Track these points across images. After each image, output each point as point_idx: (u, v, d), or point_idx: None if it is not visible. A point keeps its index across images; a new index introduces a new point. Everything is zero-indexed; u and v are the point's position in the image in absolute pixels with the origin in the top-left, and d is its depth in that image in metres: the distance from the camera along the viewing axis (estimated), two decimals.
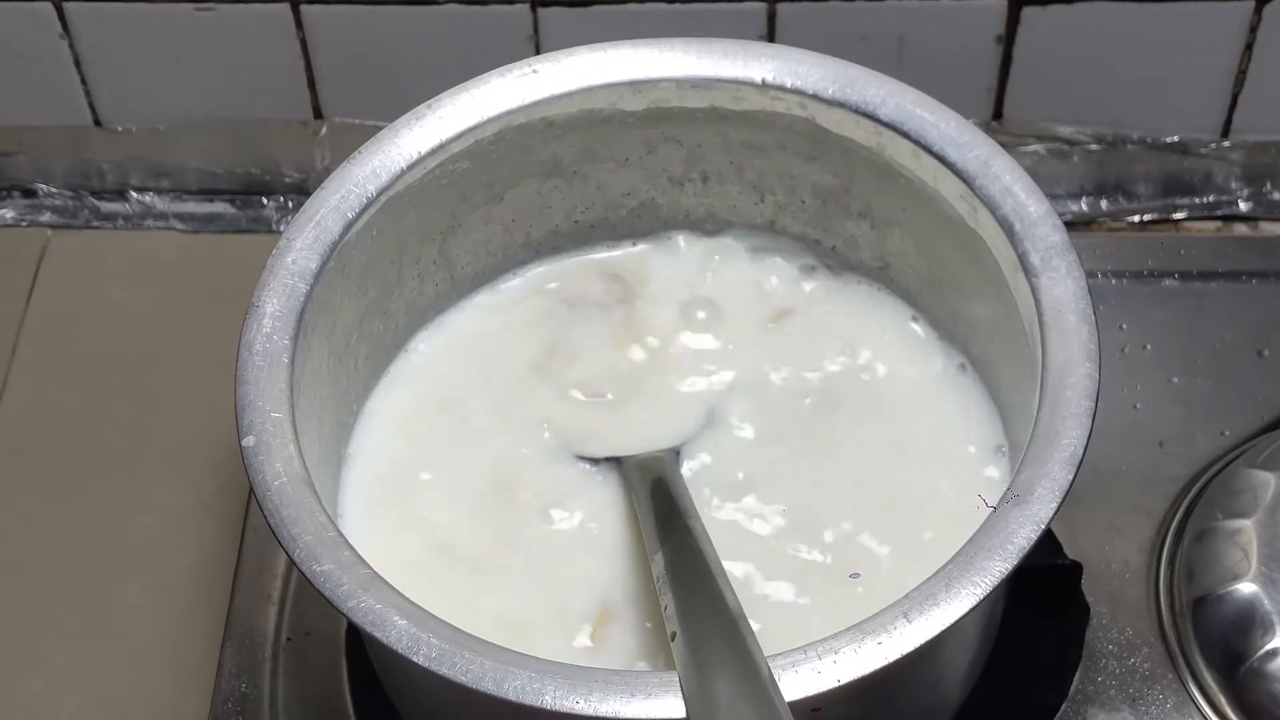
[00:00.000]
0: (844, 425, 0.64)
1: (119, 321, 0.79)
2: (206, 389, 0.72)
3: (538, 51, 0.76)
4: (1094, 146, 0.81)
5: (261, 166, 0.83)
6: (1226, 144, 0.81)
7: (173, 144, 0.83)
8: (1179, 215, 0.82)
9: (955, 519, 0.58)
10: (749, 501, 0.62)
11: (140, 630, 0.70)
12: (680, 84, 0.63)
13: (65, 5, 0.77)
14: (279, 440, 0.55)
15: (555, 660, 0.50)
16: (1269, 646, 0.62)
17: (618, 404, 0.65)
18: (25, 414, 0.77)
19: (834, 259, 0.68)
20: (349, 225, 0.60)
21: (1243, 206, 0.82)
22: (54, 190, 0.84)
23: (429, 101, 0.62)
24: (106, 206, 0.84)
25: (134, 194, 0.84)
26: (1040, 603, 0.64)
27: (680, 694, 0.49)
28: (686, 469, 0.62)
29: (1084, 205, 0.82)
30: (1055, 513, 0.52)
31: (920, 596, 0.51)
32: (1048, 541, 0.54)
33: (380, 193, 0.61)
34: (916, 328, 0.67)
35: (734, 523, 0.61)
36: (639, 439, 0.63)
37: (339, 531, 0.53)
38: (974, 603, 0.50)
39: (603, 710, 0.49)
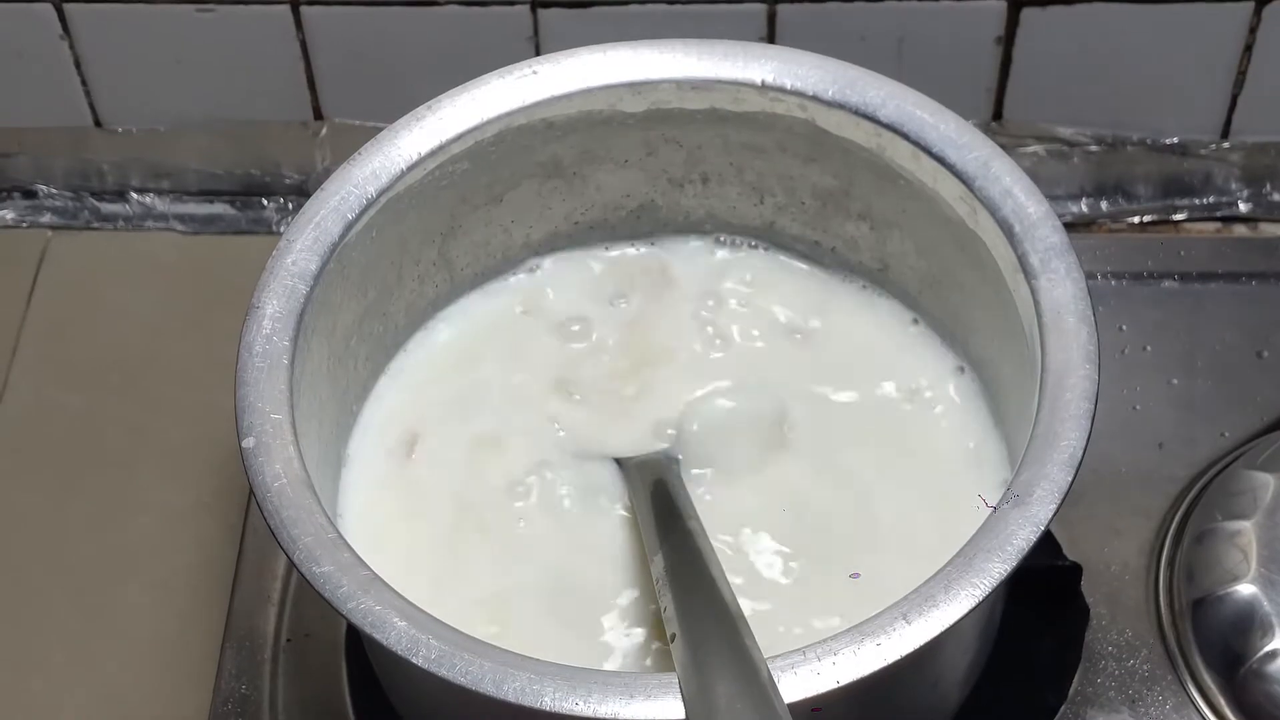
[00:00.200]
0: (844, 426, 0.64)
1: (119, 322, 0.79)
2: (206, 390, 0.72)
3: (538, 52, 0.76)
4: (1094, 147, 0.81)
5: (261, 168, 0.83)
6: (1226, 145, 0.81)
7: (173, 145, 0.83)
8: (1179, 216, 0.82)
9: (954, 520, 0.58)
10: (749, 501, 0.62)
11: (140, 630, 0.70)
12: (680, 85, 0.63)
13: (65, 5, 0.77)
14: (279, 441, 0.55)
15: (555, 662, 0.50)
16: (1268, 648, 0.62)
17: (618, 405, 0.65)
18: (25, 414, 0.77)
19: (834, 260, 0.68)
20: (349, 226, 0.60)
21: (1242, 207, 0.82)
22: (54, 191, 0.84)
23: (429, 103, 0.62)
24: (107, 207, 0.84)
25: (134, 195, 0.84)
26: (1040, 604, 0.64)
27: (680, 695, 0.49)
28: (686, 470, 0.62)
29: (1084, 206, 0.82)
30: (1054, 514, 0.52)
31: (919, 598, 0.51)
32: (1047, 543, 0.54)
33: (380, 194, 0.61)
34: (916, 329, 0.67)
35: (734, 522, 0.61)
36: (639, 440, 0.63)
37: (338, 533, 0.53)
38: (973, 604, 0.50)
39: (602, 711, 0.49)
